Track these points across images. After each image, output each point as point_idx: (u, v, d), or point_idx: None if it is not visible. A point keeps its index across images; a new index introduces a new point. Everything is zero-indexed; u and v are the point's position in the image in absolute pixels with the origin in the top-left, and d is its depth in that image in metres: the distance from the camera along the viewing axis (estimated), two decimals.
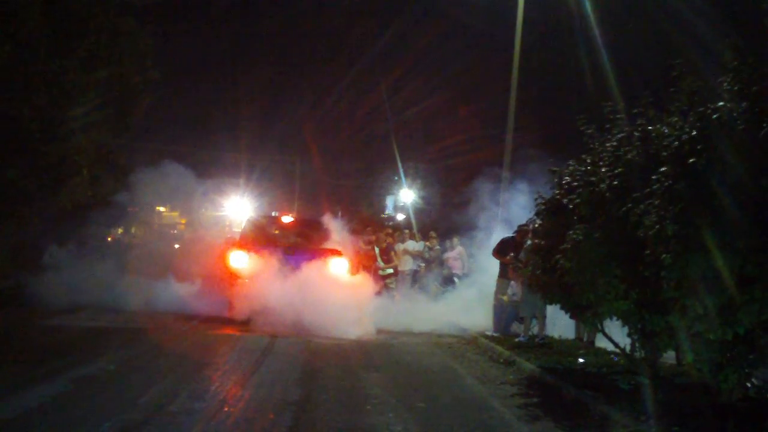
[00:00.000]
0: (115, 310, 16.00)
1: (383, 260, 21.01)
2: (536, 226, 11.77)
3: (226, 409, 8.21)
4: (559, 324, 14.87)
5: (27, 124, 21.03)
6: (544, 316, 14.61)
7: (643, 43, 24.43)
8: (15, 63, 21.27)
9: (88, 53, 23.55)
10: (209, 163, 33.50)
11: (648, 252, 7.98)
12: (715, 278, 6.91)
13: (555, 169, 11.52)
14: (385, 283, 20.08)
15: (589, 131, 10.72)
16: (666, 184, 7.66)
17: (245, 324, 15.07)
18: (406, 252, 22.52)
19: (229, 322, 15.45)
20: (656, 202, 7.81)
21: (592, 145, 10.59)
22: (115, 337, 12.99)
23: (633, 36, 23.74)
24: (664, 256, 7.49)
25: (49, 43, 22.45)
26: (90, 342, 12.51)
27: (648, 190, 8.06)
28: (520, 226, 15.77)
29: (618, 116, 10.26)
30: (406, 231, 24.94)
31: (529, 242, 12.02)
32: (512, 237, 15.81)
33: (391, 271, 20.91)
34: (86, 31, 23.58)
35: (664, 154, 8.00)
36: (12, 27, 21.17)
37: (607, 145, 10.07)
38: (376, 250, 21.06)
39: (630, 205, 8.49)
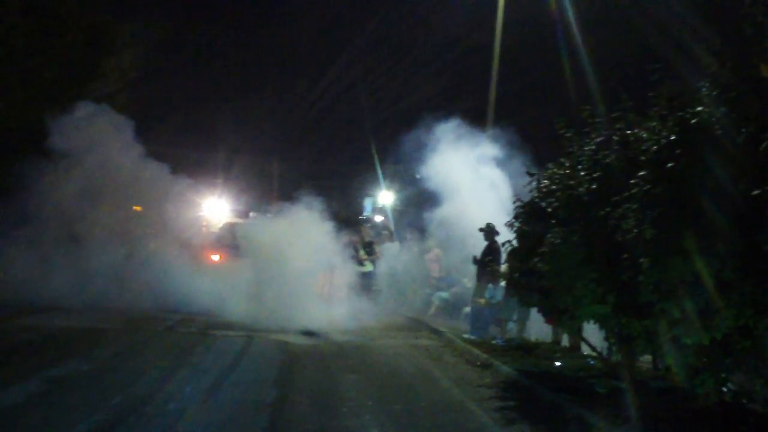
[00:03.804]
0: (89, 309, 15.84)
1: (366, 254, 20.81)
2: (515, 229, 11.75)
3: (200, 410, 8.14)
4: (536, 327, 14.91)
5: (3, 121, 20.86)
6: (524, 319, 14.63)
7: (623, 47, 24.52)
8: None
9: (67, 51, 23.44)
10: (187, 162, 33.34)
11: (626, 256, 7.98)
12: (694, 282, 6.90)
13: (533, 172, 11.52)
14: (361, 283, 19.84)
15: (568, 135, 10.71)
16: (644, 188, 7.65)
17: (223, 321, 15.25)
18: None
19: (205, 320, 15.45)
20: (634, 206, 7.80)
21: (570, 149, 10.58)
22: (91, 337, 12.86)
23: (613, 39, 23.81)
24: (642, 260, 7.48)
25: (27, 40, 22.31)
26: (65, 342, 12.38)
27: (626, 194, 8.05)
28: (480, 229, 15.85)
29: (597, 120, 10.26)
30: (385, 232, 24.90)
31: (506, 244, 11.99)
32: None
33: (371, 268, 20.70)
34: (64, 29, 23.47)
35: (643, 158, 8.00)
36: None
37: (586, 148, 10.06)
38: (358, 246, 20.89)
39: (608, 209, 8.49)
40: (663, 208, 7.25)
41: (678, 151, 7.26)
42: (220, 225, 25.55)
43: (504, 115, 22.36)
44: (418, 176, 21.00)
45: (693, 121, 7.26)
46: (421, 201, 21.69)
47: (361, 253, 20.64)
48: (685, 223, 6.98)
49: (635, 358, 9.95)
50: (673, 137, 7.44)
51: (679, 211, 7.06)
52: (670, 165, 7.26)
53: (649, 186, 7.59)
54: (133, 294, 17.23)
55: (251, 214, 28.58)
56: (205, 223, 27.37)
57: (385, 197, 33.47)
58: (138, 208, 22.38)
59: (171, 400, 8.41)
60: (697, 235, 6.87)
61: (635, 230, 7.64)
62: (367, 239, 21.37)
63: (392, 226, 26.97)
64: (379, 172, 31.91)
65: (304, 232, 17.75)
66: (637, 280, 7.68)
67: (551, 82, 27.09)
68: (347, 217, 25.28)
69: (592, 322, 9.90)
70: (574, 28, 19.87)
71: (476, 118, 21.27)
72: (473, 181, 19.28)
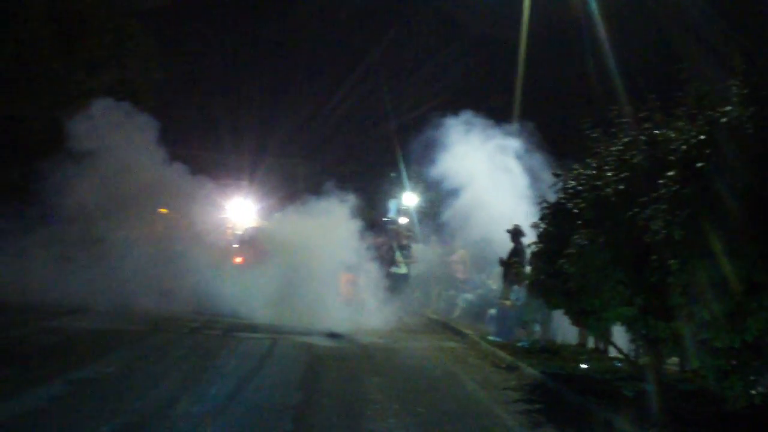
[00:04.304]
0: (114, 311, 15.87)
1: (403, 256, 20.74)
2: (540, 230, 11.64)
3: (223, 413, 8.10)
4: (562, 329, 14.79)
5: (29, 125, 20.96)
6: (549, 321, 14.53)
7: (650, 47, 24.32)
8: (17, 63, 21.21)
9: (92, 54, 23.54)
10: (213, 164, 33.42)
11: (654, 257, 7.85)
12: (723, 285, 6.77)
13: (559, 173, 11.40)
14: (393, 285, 19.75)
15: (594, 135, 10.61)
16: (673, 188, 7.53)
17: (247, 323, 15.38)
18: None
19: (230, 322, 15.53)
20: (663, 207, 7.68)
21: (597, 149, 10.48)
22: (115, 339, 12.87)
23: (639, 39, 23.62)
24: (671, 261, 7.35)
25: (52, 43, 22.42)
26: (89, 344, 12.40)
27: (655, 194, 7.93)
28: (507, 230, 15.79)
29: (623, 120, 10.15)
30: (409, 234, 24.83)
31: (531, 246, 11.90)
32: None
33: (405, 271, 20.61)
34: (89, 32, 23.57)
35: (671, 158, 7.87)
36: (14, 27, 21.12)
37: (613, 149, 9.95)
38: (395, 246, 20.83)
39: (636, 209, 8.36)
40: (692, 209, 7.12)
41: (707, 151, 7.14)
42: (244, 229, 25.68)
43: (529, 113, 22.21)
44: (437, 179, 20.75)
45: (723, 120, 7.13)
46: (443, 201, 21.51)
47: (397, 255, 20.57)
48: (714, 224, 6.85)
49: (662, 361, 9.82)
50: (702, 137, 7.32)
51: (708, 212, 6.93)
52: (699, 165, 7.14)
53: (677, 186, 7.47)
54: (158, 296, 17.26)
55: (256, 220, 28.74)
56: (230, 225, 27.51)
57: (409, 199, 33.36)
58: (164, 210, 22.47)
59: (194, 403, 8.38)
60: (726, 237, 6.74)
61: (664, 231, 7.51)
62: (405, 242, 21.27)
63: (417, 228, 26.92)
64: (404, 173, 31.83)
65: (329, 232, 17.73)
66: (666, 282, 7.56)
67: (576, 82, 26.94)
68: (373, 219, 25.24)
69: (618, 324, 9.79)
70: (600, 27, 19.69)
71: (501, 118, 21.10)
72: (493, 178, 19.21)
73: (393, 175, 35.35)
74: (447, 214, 21.16)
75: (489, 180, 19.29)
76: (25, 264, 17.64)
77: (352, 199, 18.71)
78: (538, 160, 18.62)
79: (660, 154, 8.59)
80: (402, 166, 31.45)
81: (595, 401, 9.34)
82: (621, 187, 9.08)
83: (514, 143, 19.69)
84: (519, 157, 19.30)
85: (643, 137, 9.26)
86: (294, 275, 17.09)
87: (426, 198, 31.07)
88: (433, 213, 26.55)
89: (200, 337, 13.85)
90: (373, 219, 23.89)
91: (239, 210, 31.34)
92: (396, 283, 19.82)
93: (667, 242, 7.43)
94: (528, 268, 13.11)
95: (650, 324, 8.73)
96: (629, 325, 9.42)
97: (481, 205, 19.05)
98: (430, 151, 20.30)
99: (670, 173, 7.69)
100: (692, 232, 7.06)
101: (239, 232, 25.73)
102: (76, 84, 22.77)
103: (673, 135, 8.42)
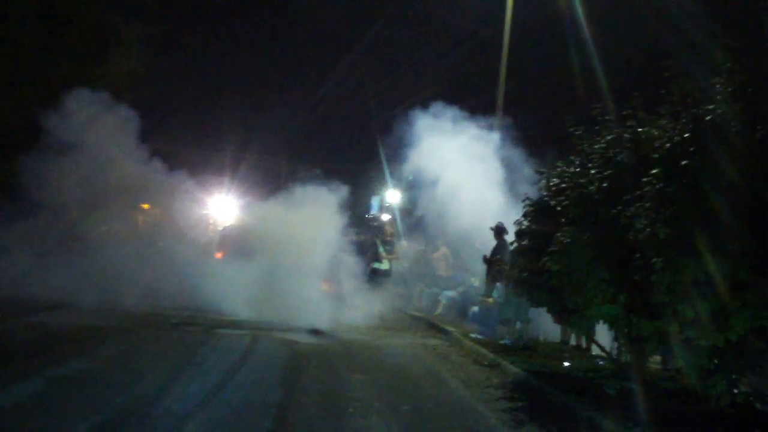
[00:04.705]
0: (95, 307, 15.72)
1: (386, 252, 20.67)
2: (523, 227, 11.61)
3: (204, 411, 8.01)
4: (544, 326, 14.80)
5: (13, 120, 20.78)
6: (528, 319, 14.52)
7: (633, 45, 24.37)
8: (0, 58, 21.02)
9: (75, 49, 23.35)
10: (194, 160, 33.31)
11: (638, 256, 7.84)
12: (708, 283, 6.77)
13: (543, 170, 11.39)
14: (375, 280, 19.72)
15: (578, 132, 10.60)
16: (657, 186, 7.53)
17: (229, 319, 15.36)
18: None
19: (211, 318, 15.54)
20: (647, 205, 7.67)
21: (580, 147, 10.46)
22: (96, 335, 12.75)
23: (623, 37, 23.66)
24: (655, 260, 7.34)
25: (35, 38, 22.22)
26: (69, 340, 12.28)
27: (639, 192, 7.92)
28: (490, 228, 15.81)
29: (607, 118, 10.14)
30: (393, 230, 24.74)
31: (513, 243, 11.88)
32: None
33: (387, 267, 20.55)
34: (73, 27, 23.39)
35: (656, 156, 7.87)
36: None
37: (596, 146, 9.95)
38: (378, 242, 20.76)
39: (620, 207, 8.35)
40: (676, 207, 7.11)
41: (692, 149, 7.12)
42: (224, 226, 25.68)
43: (512, 112, 22.24)
44: (416, 175, 20.70)
45: (707, 118, 7.12)
46: (422, 197, 21.45)
47: (381, 250, 20.49)
48: (698, 222, 6.84)
49: (645, 359, 9.83)
50: (686, 134, 7.30)
51: (692, 210, 6.92)
52: (684, 163, 7.12)
53: (662, 184, 7.46)
54: (140, 292, 17.09)
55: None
56: (211, 221, 27.42)
57: (392, 196, 33.33)
58: (146, 206, 22.35)
59: (174, 401, 8.29)
60: (710, 235, 6.74)
61: (648, 229, 7.50)
62: (389, 237, 21.21)
63: (399, 225, 26.87)
64: (386, 170, 31.77)
65: (312, 227, 17.61)
66: (650, 280, 7.54)
67: (558, 80, 26.96)
68: (357, 215, 25.22)
69: (601, 322, 9.78)
70: (583, 25, 19.70)
71: (483, 114, 21.11)
72: (468, 171, 19.22)
73: (371, 174, 35.28)
74: (425, 210, 21.14)
75: (464, 174, 19.29)
76: (5, 259, 17.49)
77: (335, 195, 18.53)
78: (516, 154, 18.69)
79: (644, 152, 8.59)
80: (384, 163, 31.41)
81: (577, 400, 9.30)
82: (605, 184, 9.08)
83: (492, 137, 19.74)
84: (496, 151, 19.35)
85: (627, 135, 9.25)
86: (276, 271, 16.97)
87: (408, 195, 31.05)
88: (414, 209, 26.52)
89: (181, 334, 13.73)
90: (357, 215, 23.81)
91: (220, 206, 31.26)
92: (377, 279, 19.76)
93: (652, 240, 7.42)
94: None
95: (633, 322, 8.74)
96: (612, 323, 9.43)
97: (457, 199, 19.06)
98: (408, 146, 20.26)
99: (655, 171, 7.68)
100: (676, 230, 7.04)
101: (220, 228, 25.66)
102: (59, 79, 22.54)
103: (657, 133, 8.42)
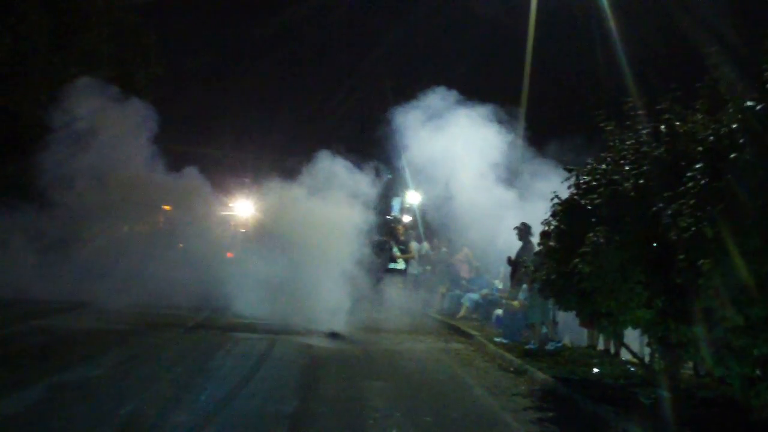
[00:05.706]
0: (110, 309, 15.39)
1: (401, 252, 20.43)
2: (551, 228, 11.10)
3: (213, 423, 7.54)
4: (570, 330, 14.35)
5: (26, 119, 20.64)
6: (555, 323, 14.06)
7: (661, 38, 23.94)
8: (15, 56, 20.90)
9: (90, 48, 23.25)
10: (214, 161, 33.22)
11: (682, 257, 7.29)
12: (760, 286, 6.23)
13: (572, 167, 10.86)
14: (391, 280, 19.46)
15: (609, 128, 10.12)
16: (702, 182, 7.00)
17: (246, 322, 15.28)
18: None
19: (228, 320, 15.50)
20: (691, 202, 7.14)
21: (611, 143, 9.98)
22: (106, 339, 12.39)
23: (650, 30, 23.24)
24: (701, 261, 6.78)
25: (51, 37, 22.11)
26: (78, 344, 11.91)
27: (681, 189, 7.39)
28: (515, 228, 15.46)
29: (638, 112, 9.66)
30: (412, 232, 24.47)
31: (539, 244, 11.40)
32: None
33: (403, 266, 20.24)
34: (88, 25, 23.31)
35: (700, 148, 7.34)
36: (12, 19, 20.81)
37: (628, 142, 9.46)
38: (392, 243, 20.50)
39: (661, 205, 7.83)
40: (725, 203, 6.56)
41: (741, 141, 6.58)
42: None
43: (536, 106, 21.89)
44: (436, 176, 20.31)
45: (758, 107, 6.57)
46: (442, 197, 21.05)
47: (395, 251, 20.25)
48: (749, 219, 6.30)
49: (680, 366, 9.34)
50: (734, 125, 6.77)
51: (743, 207, 6.37)
52: (733, 156, 6.58)
53: (707, 179, 6.93)
54: (158, 293, 16.89)
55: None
56: (233, 223, 27.29)
57: (413, 197, 32.96)
58: (167, 208, 22.22)
59: (183, 411, 7.86)
60: (764, 233, 6.19)
61: (693, 228, 6.96)
62: (403, 238, 20.99)
63: (420, 227, 26.56)
64: (407, 171, 31.41)
65: (333, 227, 17.18)
66: (694, 283, 6.99)
67: (584, 73, 26.56)
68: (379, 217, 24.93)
69: (633, 327, 9.29)
70: (610, 18, 19.29)
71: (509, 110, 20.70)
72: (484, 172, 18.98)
73: (389, 176, 34.96)
74: (446, 211, 20.76)
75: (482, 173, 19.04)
76: (18, 259, 17.32)
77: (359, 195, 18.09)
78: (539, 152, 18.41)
79: (683, 147, 8.09)
80: (405, 164, 31.09)
81: (610, 409, 8.81)
82: (641, 181, 8.58)
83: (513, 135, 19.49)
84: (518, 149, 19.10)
85: (663, 128, 8.74)
86: (296, 272, 16.58)
87: (428, 195, 30.72)
88: (435, 210, 26.19)
89: (196, 338, 13.42)
90: (379, 217, 23.50)
91: (241, 207, 31.12)
92: (393, 278, 19.57)
93: (697, 240, 6.87)
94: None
95: (671, 328, 8.25)
96: (646, 328, 8.94)
97: (476, 201, 18.79)
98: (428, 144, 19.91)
99: (699, 165, 7.16)
100: (726, 229, 6.50)
101: (242, 230, 25.58)
102: (74, 78, 22.35)
103: (698, 125, 7.93)
